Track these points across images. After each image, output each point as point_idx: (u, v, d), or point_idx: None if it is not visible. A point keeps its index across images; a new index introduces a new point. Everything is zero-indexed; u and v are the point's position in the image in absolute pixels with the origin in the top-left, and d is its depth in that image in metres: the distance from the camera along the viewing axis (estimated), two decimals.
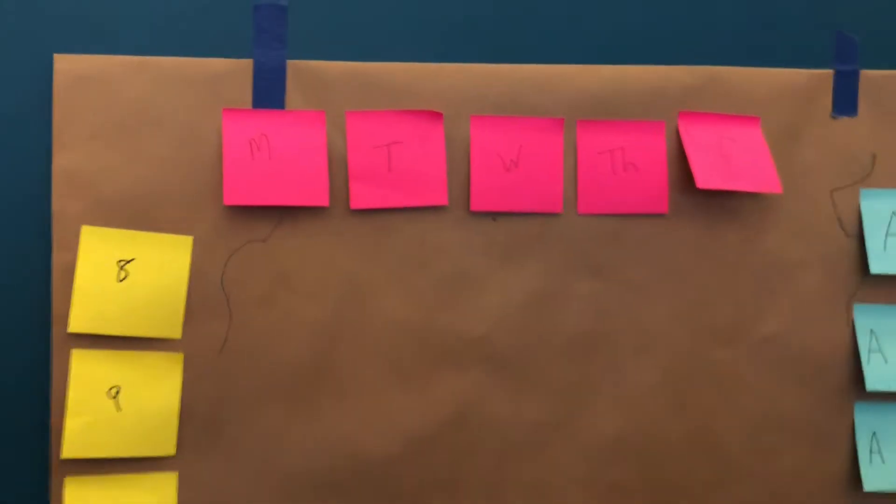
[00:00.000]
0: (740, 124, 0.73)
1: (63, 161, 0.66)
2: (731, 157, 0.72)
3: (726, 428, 0.73)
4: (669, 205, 0.72)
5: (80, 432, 0.65)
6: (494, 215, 0.71)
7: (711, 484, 0.73)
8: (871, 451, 0.74)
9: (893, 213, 0.74)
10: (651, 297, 0.72)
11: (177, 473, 0.67)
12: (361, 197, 0.69)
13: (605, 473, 0.72)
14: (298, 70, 0.68)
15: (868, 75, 0.74)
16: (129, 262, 0.66)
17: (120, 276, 0.65)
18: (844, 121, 0.74)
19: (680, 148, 0.72)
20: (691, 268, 0.73)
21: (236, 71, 0.67)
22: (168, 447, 0.67)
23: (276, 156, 0.67)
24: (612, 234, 0.72)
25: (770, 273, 0.73)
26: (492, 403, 0.71)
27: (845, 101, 0.74)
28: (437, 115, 0.69)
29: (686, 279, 0.73)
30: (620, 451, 0.72)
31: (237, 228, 0.68)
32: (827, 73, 0.74)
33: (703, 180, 0.70)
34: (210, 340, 0.68)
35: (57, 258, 0.66)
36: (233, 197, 0.66)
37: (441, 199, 0.70)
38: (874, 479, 0.73)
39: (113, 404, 0.65)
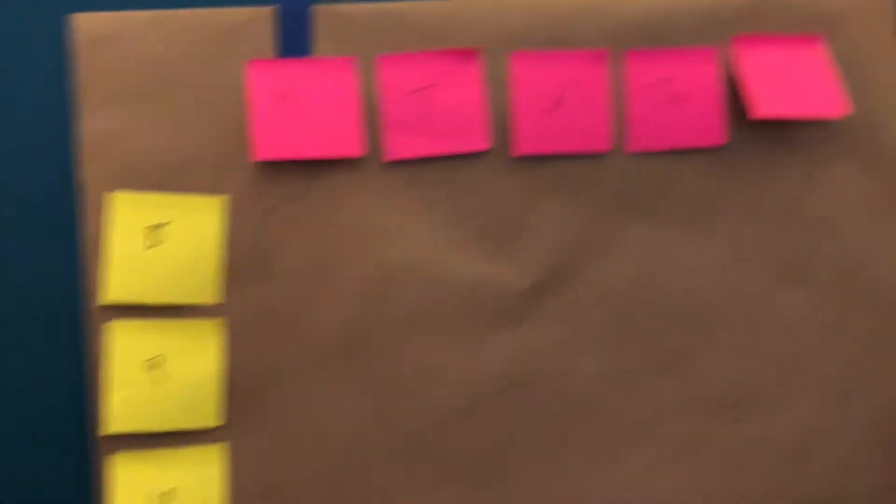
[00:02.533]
0: (801, 45, 0.67)
1: (90, 126, 0.63)
2: (792, 80, 0.66)
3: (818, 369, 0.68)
4: (726, 138, 0.67)
5: (122, 406, 0.62)
6: (540, 158, 0.67)
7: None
8: None
9: None
10: (708, 238, 0.68)
11: (225, 444, 0.65)
12: (398, 147, 0.65)
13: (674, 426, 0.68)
14: (324, 15, 0.64)
15: None
16: (161, 226, 0.63)
17: (153, 241, 0.63)
18: None
19: (734, 76, 0.67)
20: (752, 204, 0.68)
21: (258, 19, 0.64)
22: (214, 418, 0.64)
23: (306, 107, 0.63)
24: (664, 173, 0.67)
25: (838, 207, 0.68)
26: (547, 358, 0.67)
27: None
28: (474, 54, 0.65)
29: (747, 217, 0.68)
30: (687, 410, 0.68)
31: (271, 186, 0.64)
32: None
33: (761, 108, 0.65)
34: (252, 305, 0.65)
35: (86, 227, 0.63)
36: (263, 152, 0.63)
37: (483, 143, 0.65)
38: None
39: (154, 375, 0.63)
